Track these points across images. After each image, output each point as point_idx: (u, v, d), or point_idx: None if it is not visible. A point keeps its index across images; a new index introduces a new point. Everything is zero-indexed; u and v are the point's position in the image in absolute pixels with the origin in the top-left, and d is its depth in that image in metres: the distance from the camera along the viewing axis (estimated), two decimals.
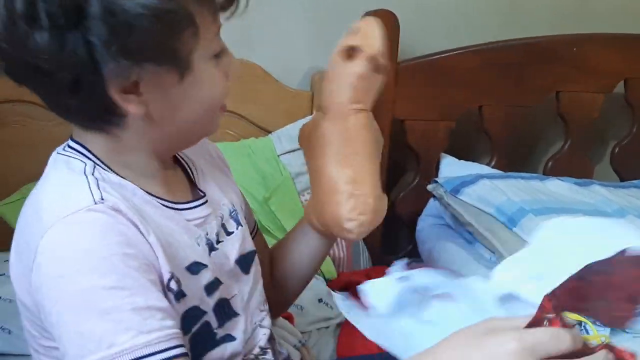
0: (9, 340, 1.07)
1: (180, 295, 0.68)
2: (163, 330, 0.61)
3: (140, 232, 0.64)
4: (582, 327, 1.27)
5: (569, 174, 1.63)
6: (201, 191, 0.79)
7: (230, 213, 0.81)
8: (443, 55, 1.54)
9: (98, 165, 0.68)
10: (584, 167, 1.73)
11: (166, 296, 0.65)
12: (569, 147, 1.71)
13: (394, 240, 1.69)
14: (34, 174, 1.25)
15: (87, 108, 0.65)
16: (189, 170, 0.81)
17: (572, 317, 1.23)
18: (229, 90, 0.72)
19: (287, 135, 1.48)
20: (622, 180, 1.77)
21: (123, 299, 0.60)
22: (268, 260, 0.93)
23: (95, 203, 0.63)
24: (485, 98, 1.58)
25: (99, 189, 0.64)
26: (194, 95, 0.68)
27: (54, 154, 0.71)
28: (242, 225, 0.81)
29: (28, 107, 1.31)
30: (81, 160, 0.68)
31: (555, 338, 0.53)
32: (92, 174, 0.66)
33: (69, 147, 0.69)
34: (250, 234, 0.88)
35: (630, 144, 1.77)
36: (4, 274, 1.15)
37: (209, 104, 0.70)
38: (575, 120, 1.68)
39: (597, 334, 1.23)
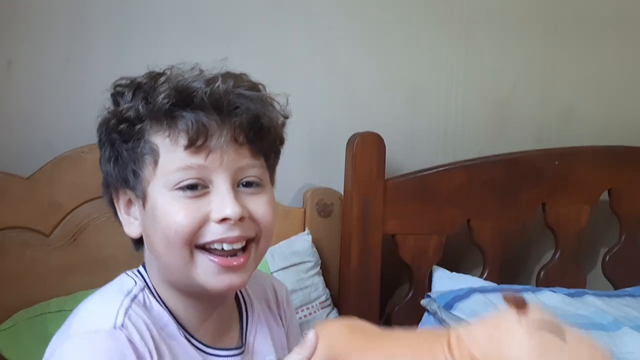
0: None
1: None
2: None
3: None
4: None
5: (561, 283, 1.63)
6: (244, 341, 0.79)
7: None
8: (429, 172, 1.59)
9: (149, 289, 0.74)
10: (576, 276, 1.74)
11: None
12: (559, 257, 1.72)
13: None
14: (28, 301, 1.28)
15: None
16: (244, 316, 0.81)
17: None
18: (208, 233, 0.70)
19: (280, 253, 1.50)
20: (615, 287, 1.78)
21: None
22: None
23: (115, 328, 0.67)
24: (473, 212, 1.62)
25: (125, 314, 0.69)
26: (153, 224, 0.71)
27: (122, 274, 0.78)
28: None
29: (26, 233, 1.34)
30: (135, 281, 0.74)
31: None
32: (135, 296, 0.72)
33: (138, 270, 0.77)
34: None
35: (620, 251, 1.79)
36: None
37: (165, 237, 0.70)
38: (563, 231, 1.70)
39: None
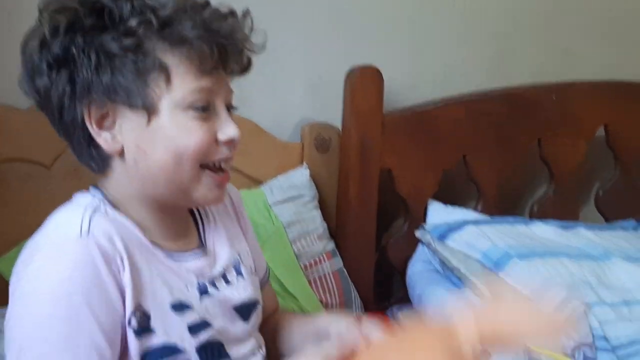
0: None
1: (143, 331, 0.72)
2: None
3: (117, 269, 0.70)
4: None
5: (554, 216, 1.66)
6: (203, 242, 0.84)
7: (234, 263, 0.86)
8: (427, 107, 1.59)
9: (106, 201, 0.76)
10: (570, 210, 1.77)
11: (125, 333, 0.71)
12: (554, 191, 1.75)
13: (385, 286, 1.71)
14: (31, 231, 1.29)
15: (77, 143, 0.77)
16: (198, 219, 0.86)
17: (560, 358, 1.25)
18: (216, 153, 0.77)
19: (278, 186, 1.52)
20: (608, 222, 1.81)
21: (67, 335, 0.66)
22: (272, 314, 0.98)
23: (81, 235, 0.70)
24: (470, 147, 1.63)
25: (89, 222, 0.71)
26: (161, 141, 0.74)
27: (74, 194, 0.80)
28: (243, 276, 0.86)
29: (27, 165, 1.35)
30: (90, 196, 0.77)
31: None
32: (94, 209, 0.74)
33: (89, 190, 0.80)
34: (260, 282, 0.94)
35: (614, 186, 1.82)
36: None
37: (176, 153, 0.74)
38: (559, 166, 1.72)
39: None
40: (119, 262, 0.71)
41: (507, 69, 1.77)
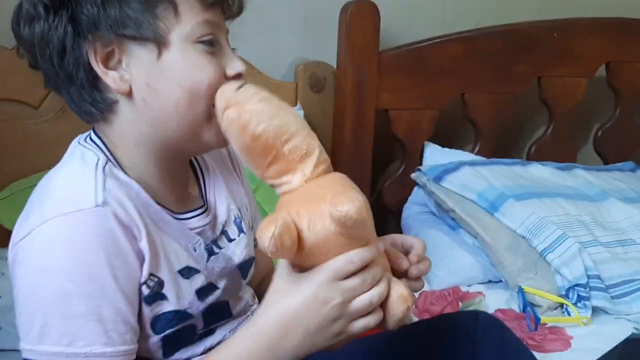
0: None
1: (154, 298, 0.71)
2: (121, 345, 0.66)
3: (134, 237, 0.69)
4: (564, 309, 1.30)
5: (552, 158, 1.65)
6: (205, 199, 0.82)
7: (235, 220, 0.84)
8: (425, 44, 1.55)
9: (110, 161, 0.72)
10: (568, 151, 1.75)
11: (140, 299, 0.70)
12: (552, 132, 1.73)
13: (381, 229, 1.70)
14: (22, 172, 1.29)
15: (79, 88, 0.71)
16: (200, 177, 0.84)
17: (553, 299, 1.25)
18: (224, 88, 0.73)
19: None
20: (606, 163, 1.80)
21: (93, 308, 0.65)
22: (264, 268, 0.96)
23: (97, 205, 0.66)
24: (468, 86, 1.60)
25: (104, 189, 0.68)
26: (173, 77, 0.71)
27: (74, 142, 0.75)
28: (245, 233, 0.85)
29: (15, 106, 1.33)
30: (96, 154, 0.72)
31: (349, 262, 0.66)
32: (103, 170, 0.70)
33: (90, 139, 0.74)
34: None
35: (613, 127, 1.80)
36: None
37: (189, 88, 0.71)
38: (558, 105, 1.70)
39: (578, 315, 1.26)
40: (135, 231, 0.69)
41: (507, 6, 1.72)
